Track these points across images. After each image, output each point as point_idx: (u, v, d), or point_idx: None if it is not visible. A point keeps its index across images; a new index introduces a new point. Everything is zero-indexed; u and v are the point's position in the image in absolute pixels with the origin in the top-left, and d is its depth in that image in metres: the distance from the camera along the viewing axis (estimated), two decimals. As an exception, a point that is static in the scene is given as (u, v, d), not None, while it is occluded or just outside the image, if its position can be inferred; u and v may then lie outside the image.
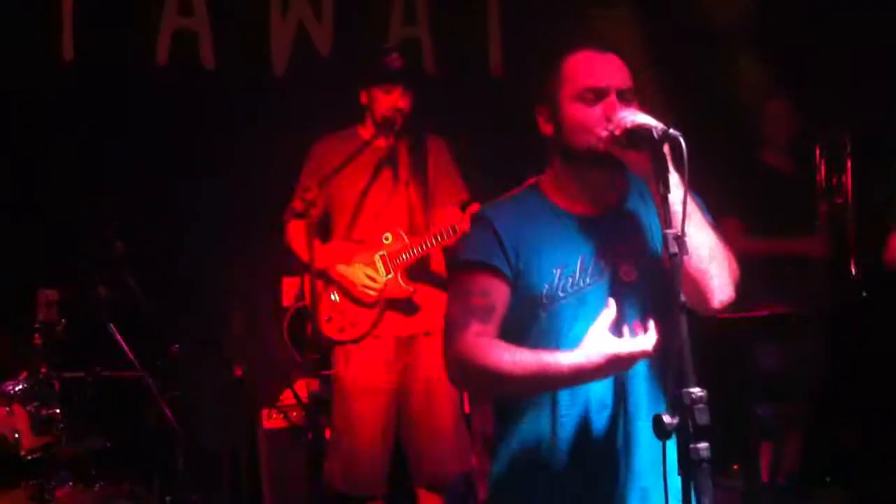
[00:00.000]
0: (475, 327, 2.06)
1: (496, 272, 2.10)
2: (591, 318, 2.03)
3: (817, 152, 4.73)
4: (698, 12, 5.26)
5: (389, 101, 3.92)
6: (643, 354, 1.92)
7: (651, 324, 1.92)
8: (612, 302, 1.97)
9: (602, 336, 1.93)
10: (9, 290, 3.97)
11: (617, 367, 1.95)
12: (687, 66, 5.09)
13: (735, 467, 4.57)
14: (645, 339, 1.91)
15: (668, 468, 1.88)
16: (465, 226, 3.74)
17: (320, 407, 3.85)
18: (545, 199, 2.17)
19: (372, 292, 3.88)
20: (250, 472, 4.43)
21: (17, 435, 3.36)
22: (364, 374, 3.90)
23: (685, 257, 1.87)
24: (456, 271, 2.17)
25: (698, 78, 5.08)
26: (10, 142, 4.40)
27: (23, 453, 3.36)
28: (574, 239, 2.12)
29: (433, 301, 3.96)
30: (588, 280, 2.09)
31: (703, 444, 1.79)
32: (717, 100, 5.00)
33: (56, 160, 4.47)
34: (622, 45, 2.24)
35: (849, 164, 4.73)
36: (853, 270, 4.46)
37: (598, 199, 2.15)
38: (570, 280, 2.09)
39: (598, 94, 2.06)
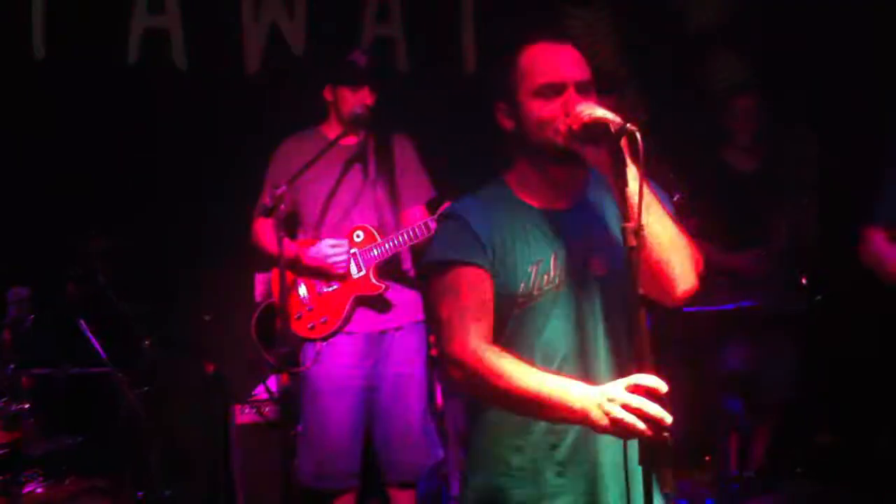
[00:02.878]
0: (473, 328, 2.04)
1: (479, 268, 2.09)
2: (565, 316, 2.08)
3: (783, 150, 4.77)
4: (669, 10, 5.31)
5: (356, 98, 3.94)
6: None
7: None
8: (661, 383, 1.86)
9: (622, 396, 1.85)
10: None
11: (621, 430, 1.86)
12: (655, 64, 5.14)
13: (707, 458, 4.62)
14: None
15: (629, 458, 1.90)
16: (434, 223, 3.78)
17: (292, 402, 3.86)
18: (512, 195, 2.17)
19: (341, 259, 3.86)
20: (223, 466, 4.43)
21: (-15, 430, 3.35)
22: (334, 370, 3.91)
23: (646, 249, 1.90)
24: (438, 271, 2.12)
25: (665, 75, 5.12)
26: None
27: (-8, 449, 3.35)
28: (545, 235, 2.12)
29: (403, 298, 4.00)
30: (562, 277, 2.09)
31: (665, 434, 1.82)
32: (682, 96, 5.04)
33: (27, 158, 4.45)
34: (595, 43, 2.26)
35: (816, 162, 4.79)
36: (803, 280, 4.46)
37: (563, 193, 2.16)
38: (546, 278, 2.09)
39: (556, 89, 2.06)
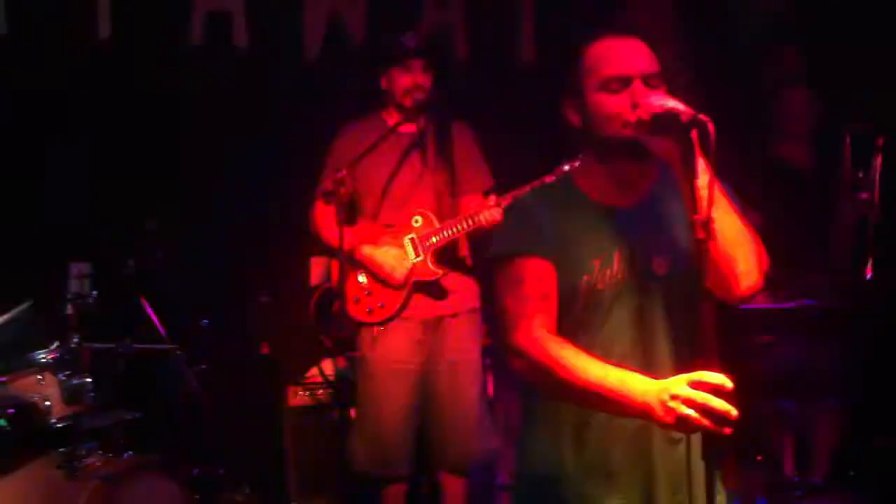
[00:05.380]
0: (537, 318, 2.05)
1: (543, 260, 2.09)
2: (627, 312, 2.07)
3: (843, 145, 4.64)
4: (722, 5, 5.23)
5: (409, 78, 3.94)
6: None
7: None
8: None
9: (684, 391, 1.84)
10: (41, 262, 4.03)
11: (684, 426, 1.86)
12: (711, 56, 5.06)
13: (758, 458, 4.55)
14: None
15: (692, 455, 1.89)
16: (494, 212, 3.77)
17: (346, 386, 3.89)
18: (579, 191, 2.16)
19: (399, 275, 3.91)
20: (275, 448, 4.47)
21: (47, 403, 3.39)
22: (390, 355, 3.92)
23: (712, 243, 1.88)
24: (503, 262, 2.13)
25: (719, 68, 5.05)
26: (47, 117, 4.46)
27: (53, 421, 3.40)
28: (610, 231, 2.11)
29: (460, 285, 4.00)
30: (623, 274, 2.09)
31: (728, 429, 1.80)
32: (736, 91, 4.95)
33: (90, 136, 4.53)
34: (654, 34, 2.23)
35: (879, 158, 4.66)
36: (868, 273, 4.37)
37: (630, 189, 2.14)
38: (608, 273, 2.08)
39: (623, 83, 2.04)
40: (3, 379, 3.41)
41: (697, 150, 1.93)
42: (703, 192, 1.87)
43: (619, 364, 2.02)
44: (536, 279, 2.08)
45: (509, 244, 2.15)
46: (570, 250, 2.09)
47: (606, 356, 2.04)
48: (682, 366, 1.99)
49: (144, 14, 4.64)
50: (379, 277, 3.93)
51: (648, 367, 2.04)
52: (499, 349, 2.08)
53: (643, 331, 2.09)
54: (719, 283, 1.99)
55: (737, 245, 2.01)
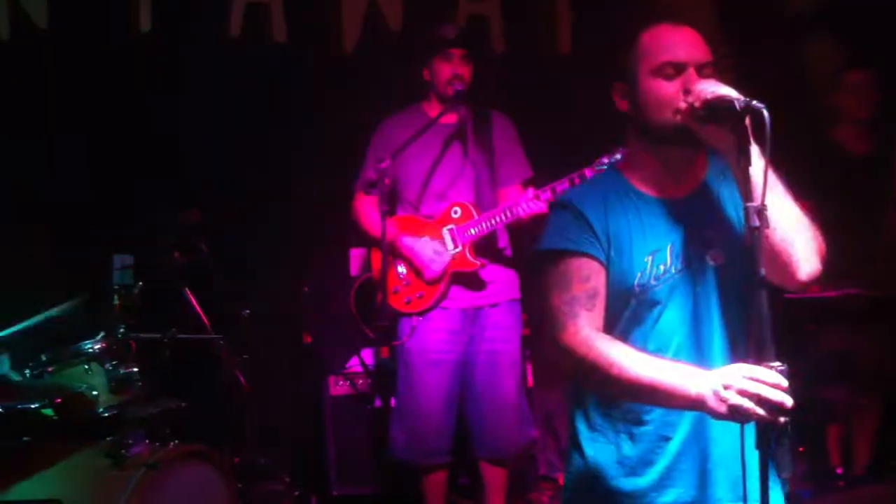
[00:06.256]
0: (583, 316, 2.04)
1: (592, 258, 2.08)
2: (682, 306, 2.06)
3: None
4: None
5: (450, 68, 3.95)
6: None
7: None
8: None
9: (738, 382, 1.83)
10: (86, 253, 4.07)
11: (737, 415, 1.84)
12: (759, 40, 5.00)
13: (801, 449, 4.51)
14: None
15: (746, 444, 1.88)
16: (532, 204, 3.77)
17: (386, 375, 3.91)
18: (627, 184, 2.15)
19: (436, 268, 3.91)
20: (316, 437, 4.50)
21: (94, 392, 3.43)
22: (429, 345, 3.95)
23: (768, 230, 1.87)
24: (550, 260, 2.12)
25: (770, 52, 4.98)
26: (88, 108, 4.50)
27: (99, 410, 3.43)
28: (662, 225, 2.10)
29: (499, 275, 4.02)
30: (678, 266, 2.07)
31: (783, 419, 1.80)
32: (789, 75, 4.88)
33: (133, 127, 4.56)
34: (696, 22, 2.22)
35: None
36: None
37: (680, 181, 2.13)
38: (662, 267, 2.07)
39: (678, 69, 2.03)
40: (51, 369, 3.45)
41: (751, 138, 1.91)
42: (758, 180, 1.86)
43: (675, 359, 2.02)
44: (584, 278, 2.08)
45: (557, 241, 2.13)
46: (622, 247, 2.09)
47: (662, 349, 2.04)
48: (738, 357, 1.98)
49: (184, 7, 4.66)
50: (417, 270, 3.95)
51: (704, 359, 2.04)
52: (546, 345, 2.07)
53: (699, 324, 2.08)
54: (778, 271, 1.97)
55: (794, 231, 2.00)
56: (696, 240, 2.09)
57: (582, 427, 2.19)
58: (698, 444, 2.07)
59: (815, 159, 4.30)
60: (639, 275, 2.07)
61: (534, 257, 2.17)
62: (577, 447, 2.18)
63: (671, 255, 2.08)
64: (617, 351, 1.99)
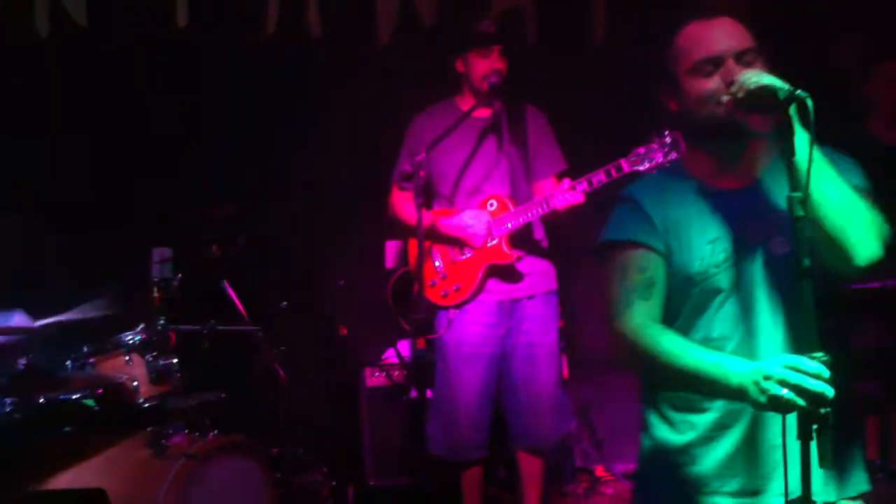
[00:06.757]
0: (639, 305, 2.08)
1: (649, 248, 2.12)
2: (741, 295, 2.06)
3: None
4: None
5: (486, 64, 3.95)
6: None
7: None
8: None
9: (779, 373, 1.82)
10: (126, 246, 4.12)
11: (776, 406, 1.84)
12: (787, 38, 4.95)
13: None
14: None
15: (787, 434, 1.87)
16: (568, 195, 3.76)
17: (423, 367, 3.92)
18: (689, 175, 2.17)
19: (479, 230, 3.89)
20: (352, 429, 4.53)
21: (134, 383, 3.48)
22: (465, 338, 3.95)
23: (820, 217, 1.88)
24: (610, 251, 2.17)
25: (802, 44, 4.94)
26: (125, 103, 4.55)
27: (140, 401, 3.49)
28: (721, 214, 2.11)
29: (535, 267, 4.01)
30: (740, 255, 2.08)
31: (825, 410, 1.80)
32: (820, 66, 4.84)
33: (171, 122, 4.60)
34: (734, 9, 2.21)
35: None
36: None
37: (739, 171, 2.12)
38: (723, 256, 2.08)
39: (715, 63, 2.04)
40: (93, 360, 3.50)
41: (795, 126, 1.90)
42: (802, 169, 1.85)
43: (736, 348, 2.04)
44: (641, 267, 2.11)
45: (615, 232, 2.18)
46: (681, 237, 2.11)
47: (727, 337, 2.06)
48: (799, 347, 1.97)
49: (221, 3, 4.69)
50: (458, 241, 3.94)
51: (764, 348, 2.04)
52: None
53: (760, 312, 2.08)
54: (834, 257, 1.96)
55: (847, 215, 1.98)
56: (755, 230, 2.09)
57: (650, 412, 2.22)
58: (761, 434, 2.07)
59: (848, 151, 4.24)
60: (697, 263, 2.09)
61: (597, 249, 2.22)
62: (647, 432, 2.22)
63: (730, 245, 2.09)
64: (665, 340, 2.02)
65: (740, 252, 2.08)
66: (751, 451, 2.08)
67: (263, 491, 3.54)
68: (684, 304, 2.11)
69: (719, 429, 2.09)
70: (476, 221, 3.90)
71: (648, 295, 2.09)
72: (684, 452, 2.13)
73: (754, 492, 2.07)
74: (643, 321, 2.06)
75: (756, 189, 2.12)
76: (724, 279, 2.08)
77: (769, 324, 2.07)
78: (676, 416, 2.15)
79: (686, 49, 2.08)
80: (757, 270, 2.07)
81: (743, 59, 2.04)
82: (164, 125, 4.63)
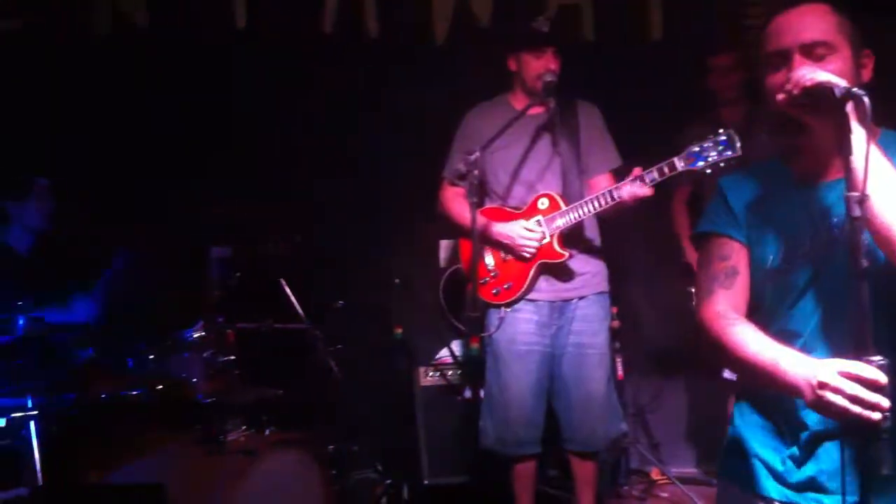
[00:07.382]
0: (720, 294, 2.11)
1: (731, 238, 2.15)
2: (817, 290, 2.04)
3: None
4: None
5: (540, 64, 3.93)
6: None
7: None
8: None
9: (834, 381, 1.79)
10: (186, 246, 4.18)
11: (829, 412, 1.81)
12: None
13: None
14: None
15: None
16: (636, 186, 3.69)
17: (475, 367, 3.92)
18: (781, 167, 2.17)
19: (531, 245, 3.89)
20: (407, 427, 4.55)
21: (193, 380, 3.54)
22: (517, 336, 3.94)
23: (880, 216, 1.85)
24: (698, 242, 2.24)
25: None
26: (183, 104, 4.61)
27: (198, 397, 3.54)
28: (803, 208, 2.08)
29: (587, 267, 3.98)
30: (815, 251, 2.05)
31: (879, 416, 1.75)
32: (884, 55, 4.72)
33: (228, 125, 4.66)
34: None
35: None
36: None
37: (829, 164, 2.08)
38: (800, 251, 2.06)
39: (783, 56, 2.01)
40: (152, 357, 3.57)
41: (851, 124, 1.86)
42: (859, 167, 1.81)
43: (808, 342, 2.02)
44: (723, 257, 2.15)
45: (703, 224, 2.23)
46: (762, 229, 2.12)
47: (797, 335, 2.04)
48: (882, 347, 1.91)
49: (279, 3, 4.73)
50: (511, 252, 3.93)
51: (836, 345, 1.99)
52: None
53: (832, 310, 2.04)
54: None
55: None
56: (836, 225, 2.05)
57: (741, 397, 2.23)
58: (832, 436, 2.04)
59: None
60: (771, 258, 2.10)
61: (691, 240, 2.26)
62: (733, 423, 2.23)
63: (808, 239, 2.07)
64: (738, 329, 2.03)
65: (818, 248, 2.05)
66: (822, 454, 2.05)
67: (319, 488, 3.57)
68: (765, 294, 2.12)
69: (795, 422, 2.07)
70: (531, 234, 3.89)
71: (731, 283, 2.12)
72: (763, 446, 2.13)
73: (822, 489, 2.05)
74: (720, 310, 2.08)
75: (841, 184, 2.06)
76: (800, 275, 2.06)
77: (839, 323, 2.02)
78: (759, 409, 2.14)
79: (764, 41, 2.08)
80: (835, 267, 2.02)
81: (813, 52, 2.00)
82: (221, 125, 4.69)
